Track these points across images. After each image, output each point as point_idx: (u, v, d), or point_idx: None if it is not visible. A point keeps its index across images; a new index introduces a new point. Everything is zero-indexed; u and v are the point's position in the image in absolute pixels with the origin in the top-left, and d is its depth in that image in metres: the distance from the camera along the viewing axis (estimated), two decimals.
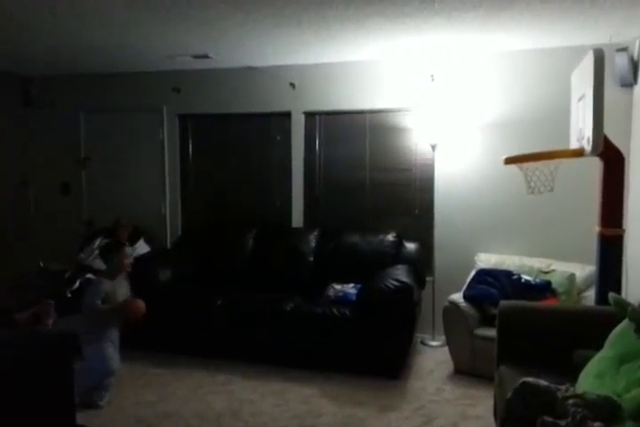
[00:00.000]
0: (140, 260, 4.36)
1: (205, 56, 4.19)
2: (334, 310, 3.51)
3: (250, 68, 4.56)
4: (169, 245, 4.90)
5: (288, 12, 3.08)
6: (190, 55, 4.19)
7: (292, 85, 4.48)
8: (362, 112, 4.40)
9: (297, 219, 4.63)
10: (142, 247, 4.60)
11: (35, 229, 5.15)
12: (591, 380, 2.04)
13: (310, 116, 4.56)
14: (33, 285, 4.06)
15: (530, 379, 1.98)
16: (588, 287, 3.54)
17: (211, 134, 4.88)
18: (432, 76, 4.17)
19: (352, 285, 3.83)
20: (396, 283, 3.42)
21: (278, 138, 4.68)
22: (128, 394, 3.22)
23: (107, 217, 4.77)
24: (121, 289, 3.29)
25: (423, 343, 4.12)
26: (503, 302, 2.76)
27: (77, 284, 4.04)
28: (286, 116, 4.59)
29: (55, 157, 5.16)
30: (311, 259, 4.20)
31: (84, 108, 5.08)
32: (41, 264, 4.23)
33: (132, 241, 4.60)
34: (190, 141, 4.93)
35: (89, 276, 4.11)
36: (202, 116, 4.85)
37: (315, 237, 4.30)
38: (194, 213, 4.96)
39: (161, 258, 4.45)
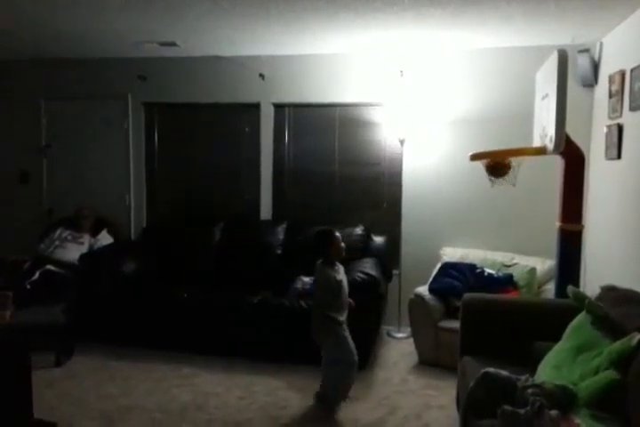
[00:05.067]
0: (103, 251, 4.28)
1: (172, 44, 4.10)
2: (302, 303, 3.52)
3: (218, 58, 4.49)
4: (133, 237, 4.80)
5: (256, 1, 3.04)
6: (157, 42, 4.09)
7: (262, 76, 4.44)
8: (331, 105, 4.40)
9: (265, 212, 4.61)
10: (105, 238, 4.50)
11: None
12: (549, 370, 2.12)
13: (280, 108, 4.52)
14: None
15: (491, 369, 2.04)
16: (547, 281, 3.67)
17: (177, 124, 4.78)
18: (401, 71, 4.20)
19: None
20: (363, 276, 3.45)
21: (247, 129, 4.63)
22: (90, 387, 3.15)
23: (68, 207, 4.64)
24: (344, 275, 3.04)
25: (389, 335, 4.18)
26: (467, 295, 2.82)
27: (37, 275, 3.92)
28: (255, 107, 4.54)
29: (14, 145, 4.97)
30: (279, 252, 4.19)
31: (45, 94, 4.90)
32: None
33: (95, 232, 4.49)
34: (156, 131, 4.82)
35: (49, 267, 4.00)
36: (168, 105, 4.75)
37: (283, 229, 4.29)
38: (159, 205, 4.87)
39: (124, 250, 4.37)
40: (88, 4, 3.15)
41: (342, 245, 2.95)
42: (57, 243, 4.32)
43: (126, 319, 3.79)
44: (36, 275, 3.93)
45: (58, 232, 4.41)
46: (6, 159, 4.99)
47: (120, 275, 3.93)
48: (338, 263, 2.97)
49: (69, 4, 3.15)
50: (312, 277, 3.83)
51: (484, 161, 3.11)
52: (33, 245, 4.36)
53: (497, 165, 3.15)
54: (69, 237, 4.37)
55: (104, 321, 3.82)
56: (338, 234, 2.96)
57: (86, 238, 4.41)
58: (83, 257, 4.02)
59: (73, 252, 4.19)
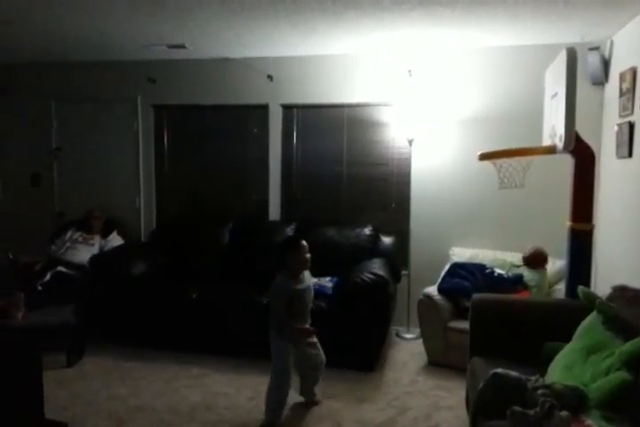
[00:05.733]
0: (113, 252, 4.31)
1: (181, 46, 4.13)
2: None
3: (227, 60, 4.51)
4: (143, 238, 4.83)
5: (265, 2, 3.05)
6: (166, 45, 4.11)
7: (270, 77, 4.45)
8: (340, 106, 4.39)
9: (274, 212, 4.62)
10: (115, 240, 4.53)
11: (4, 221, 5.01)
12: (560, 371, 2.10)
13: (288, 109, 4.53)
14: (2, 277, 3.97)
15: (501, 370, 2.02)
16: (558, 281, 3.63)
17: (187, 126, 4.81)
18: (409, 71, 4.19)
19: (329, 278, 3.84)
20: (372, 276, 3.44)
21: (255, 130, 4.64)
22: (100, 388, 3.17)
23: (79, 209, 4.68)
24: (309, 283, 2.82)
25: (398, 336, 4.17)
26: (476, 295, 2.80)
27: (48, 276, 3.96)
28: (263, 108, 4.55)
29: (25, 147, 5.03)
30: None
31: (55, 97, 4.94)
32: (10, 256, 4.13)
33: (105, 233, 4.53)
34: (166, 133, 4.85)
35: (60, 268, 4.03)
36: (177, 107, 4.78)
37: (292, 230, 4.29)
38: (169, 206, 4.90)
39: (134, 251, 4.39)
40: (97, 7, 3.17)
41: (308, 255, 2.68)
42: (68, 244, 4.36)
43: (136, 320, 3.81)
44: (48, 276, 3.97)
45: (69, 234, 4.45)
46: (18, 162, 5.04)
47: (130, 276, 3.95)
48: (304, 272, 2.75)
49: (79, 7, 3.18)
50: (321, 278, 3.84)
51: (524, 256, 3.57)
52: (44, 247, 4.40)
53: (536, 258, 3.61)
54: (80, 239, 4.41)
55: (114, 322, 3.85)
56: (304, 243, 2.69)
57: (97, 240, 4.45)
58: (93, 258, 4.05)
59: (84, 253, 4.23)
